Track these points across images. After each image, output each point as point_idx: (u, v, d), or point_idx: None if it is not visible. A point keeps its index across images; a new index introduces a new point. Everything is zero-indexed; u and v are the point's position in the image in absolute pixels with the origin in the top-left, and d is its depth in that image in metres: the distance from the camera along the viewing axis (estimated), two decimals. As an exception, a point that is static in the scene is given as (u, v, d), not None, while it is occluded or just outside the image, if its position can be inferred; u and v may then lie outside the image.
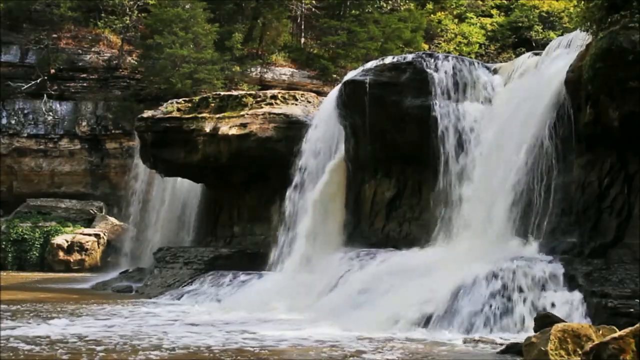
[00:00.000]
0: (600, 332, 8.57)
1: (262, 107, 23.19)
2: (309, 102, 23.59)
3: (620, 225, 13.78)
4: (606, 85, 13.08)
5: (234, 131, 22.76)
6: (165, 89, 32.51)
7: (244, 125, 22.77)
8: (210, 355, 10.21)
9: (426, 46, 37.97)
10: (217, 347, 10.83)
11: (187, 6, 34.46)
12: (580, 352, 8.14)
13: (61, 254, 31.15)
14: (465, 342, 11.50)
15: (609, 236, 13.84)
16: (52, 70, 34.81)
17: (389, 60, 18.80)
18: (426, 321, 12.85)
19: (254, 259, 21.65)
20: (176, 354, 10.18)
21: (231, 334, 12.24)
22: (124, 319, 14.59)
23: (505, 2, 43.16)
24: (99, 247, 31.67)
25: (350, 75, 19.86)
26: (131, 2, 36.05)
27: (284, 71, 37.30)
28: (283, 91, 25.39)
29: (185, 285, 20.82)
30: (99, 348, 10.52)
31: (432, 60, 17.82)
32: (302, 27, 40.43)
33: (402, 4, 40.12)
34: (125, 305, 17.63)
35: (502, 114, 16.55)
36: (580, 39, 15.00)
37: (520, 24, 40.28)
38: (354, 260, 17.42)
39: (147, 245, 29.44)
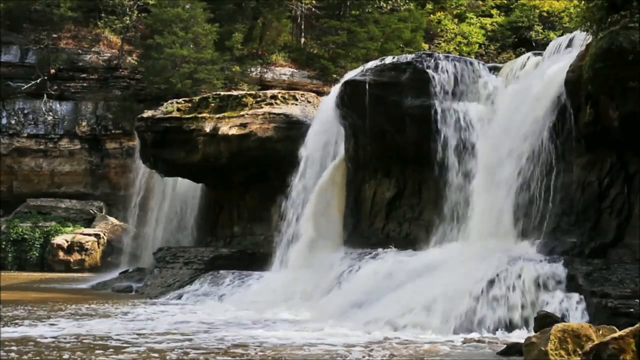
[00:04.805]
0: (600, 332, 8.56)
1: (262, 107, 23.22)
2: (309, 102, 23.62)
3: (620, 225, 13.78)
4: (606, 85, 13.07)
5: (234, 131, 22.78)
6: (165, 89, 32.53)
7: (244, 125, 22.79)
8: (209, 355, 10.21)
9: (426, 46, 37.97)
10: (216, 347, 10.82)
11: (187, 6, 34.48)
12: (580, 352, 8.13)
13: (61, 254, 31.17)
14: (465, 342, 11.49)
15: (609, 236, 13.83)
16: (52, 70, 34.83)
17: (389, 60, 18.81)
18: (426, 321, 12.85)
19: (254, 259, 21.66)
20: (175, 353, 10.18)
21: (231, 334, 12.23)
22: (122, 319, 14.58)
23: (505, 2, 43.16)
24: (99, 247, 31.69)
25: (350, 75, 19.87)
26: (131, 2, 36.06)
27: (284, 71, 37.31)
28: (283, 91, 25.40)
29: (185, 285, 20.81)
30: (97, 348, 10.53)
31: (432, 60, 17.82)
32: (302, 27, 40.43)
33: (402, 4, 40.10)
34: (125, 305, 17.62)
35: (503, 114, 16.55)
36: (580, 39, 15.01)
37: (520, 24, 40.31)
38: (354, 260, 17.43)
39: (147, 245, 29.46)
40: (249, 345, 11.07)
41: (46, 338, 11.39)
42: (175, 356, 9.94)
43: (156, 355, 10.05)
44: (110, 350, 10.32)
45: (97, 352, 10.19)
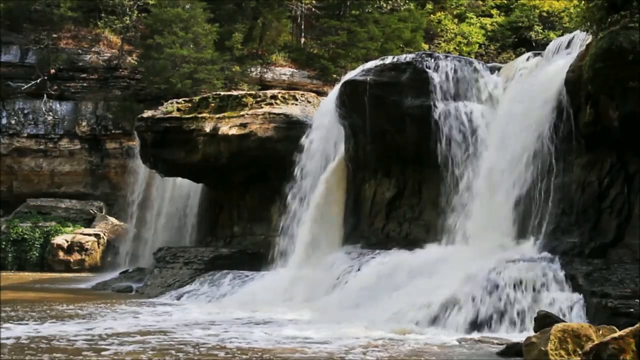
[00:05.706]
0: (600, 332, 8.56)
1: (262, 107, 23.21)
2: (309, 102, 23.61)
3: (620, 225, 13.78)
4: (606, 85, 13.08)
5: (234, 131, 22.78)
6: (165, 89, 32.51)
7: (244, 125, 22.78)
8: (209, 355, 10.21)
9: (426, 46, 37.96)
10: (216, 347, 10.82)
11: (187, 6, 34.46)
12: (580, 352, 8.14)
13: (61, 254, 31.15)
14: (465, 342, 11.49)
15: (609, 236, 13.84)
16: (52, 70, 34.80)
17: (389, 60, 18.80)
18: (426, 321, 12.86)
19: (254, 259, 21.65)
20: (175, 353, 10.17)
21: (231, 334, 12.23)
22: (114, 319, 14.55)
23: (505, 2, 43.15)
24: (99, 247, 31.67)
25: (350, 75, 19.87)
26: (131, 2, 36.04)
27: (284, 71, 37.29)
28: (283, 91, 25.39)
29: (185, 285, 20.81)
30: (67, 350, 10.53)
31: (432, 60, 17.82)
32: (302, 27, 40.42)
33: (402, 4, 40.09)
34: (124, 305, 17.61)
35: (503, 114, 16.55)
36: (580, 39, 15.02)
37: (520, 24, 40.30)
38: (354, 260, 17.44)
39: (147, 245, 29.44)
40: (250, 344, 11.06)
41: (43, 337, 11.39)
42: (174, 356, 9.92)
43: (152, 354, 10.05)
44: (90, 351, 10.28)
45: (61, 354, 10.19)
